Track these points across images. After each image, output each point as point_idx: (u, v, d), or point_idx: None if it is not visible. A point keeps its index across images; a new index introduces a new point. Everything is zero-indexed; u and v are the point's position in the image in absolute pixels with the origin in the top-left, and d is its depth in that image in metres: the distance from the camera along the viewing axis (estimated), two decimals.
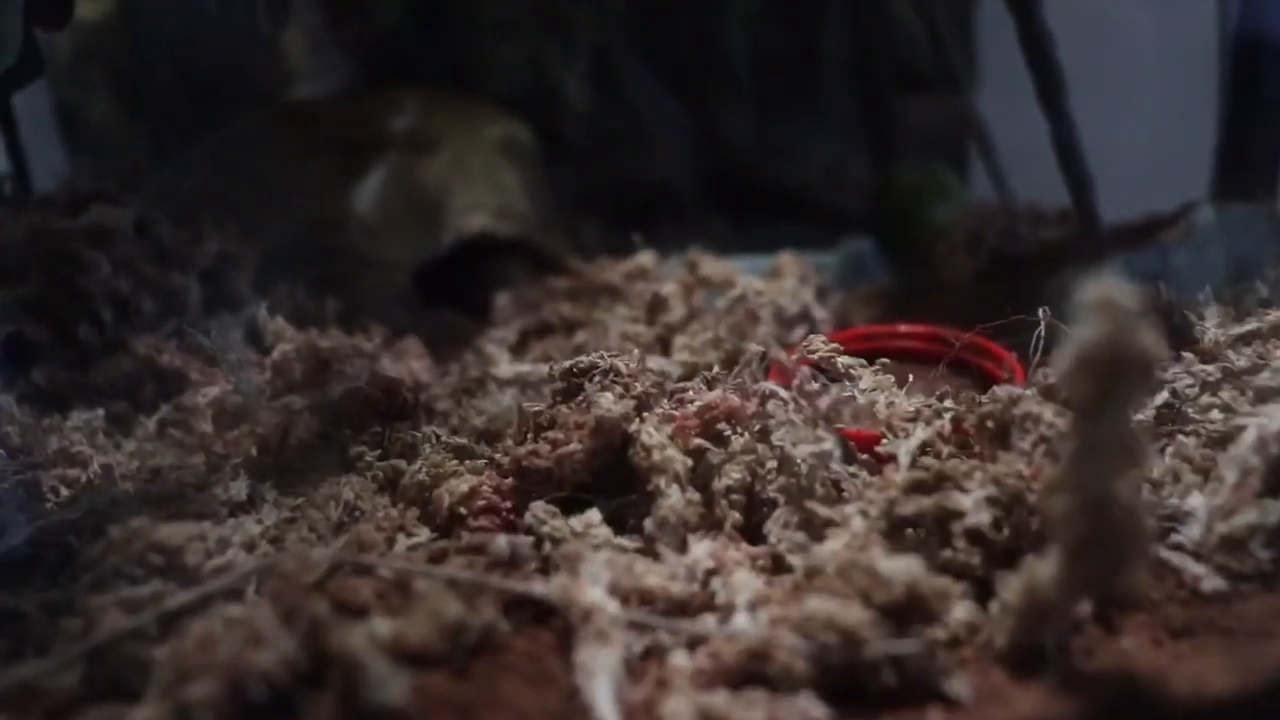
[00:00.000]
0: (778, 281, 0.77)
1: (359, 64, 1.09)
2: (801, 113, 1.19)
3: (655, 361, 0.61)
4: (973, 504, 0.40)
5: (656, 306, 0.68)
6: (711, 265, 0.75)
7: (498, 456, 0.47)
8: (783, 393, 0.44)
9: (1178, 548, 0.43)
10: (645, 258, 0.75)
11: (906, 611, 0.36)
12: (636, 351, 0.49)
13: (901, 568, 0.35)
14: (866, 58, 1.19)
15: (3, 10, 0.54)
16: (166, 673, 0.33)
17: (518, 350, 0.70)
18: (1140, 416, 0.51)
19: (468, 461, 0.48)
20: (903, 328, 0.64)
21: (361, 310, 0.73)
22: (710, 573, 0.39)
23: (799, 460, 0.42)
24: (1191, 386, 0.52)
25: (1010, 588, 0.36)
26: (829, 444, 0.42)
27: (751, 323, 0.65)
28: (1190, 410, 0.51)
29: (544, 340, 0.70)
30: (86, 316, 0.66)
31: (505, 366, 0.63)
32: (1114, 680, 0.34)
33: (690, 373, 0.60)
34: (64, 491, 0.52)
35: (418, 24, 1.06)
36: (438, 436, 0.51)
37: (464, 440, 0.50)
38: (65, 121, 1.06)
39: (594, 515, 0.42)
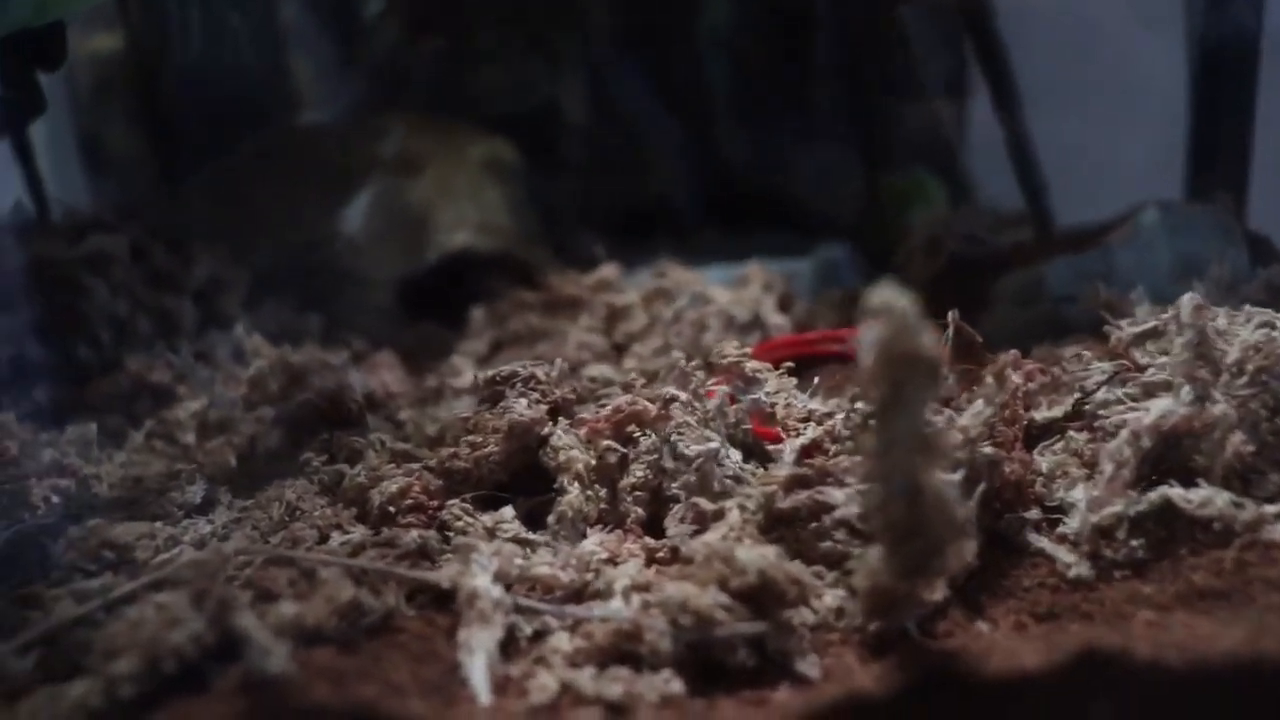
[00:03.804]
0: (742, 290, 0.81)
1: (363, 89, 1.14)
2: (792, 122, 1.22)
3: (600, 370, 0.65)
4: (845, 497, 0.44)
5: (614, 317, 0.72)
6: (678, 275, 0.79)
7: (431, 459, 0.51)
8: (683, 396, 0.48)
9: (1062, 538, 0.46)
10: (608, 270, 0.79)
11: (762, 596, 0.39)
12: (560, 361, 0.53)
13: (756, 556, 0.39)
14: (854, 66, 1.21)
15: None
16: (99, 652, 0.37)
17: (488, 361, 0.74)
18: (1051, 414, 0.54)
19: (405, 465, 0.52)
20: (838, 332, 0.67)
21: (345, 325, 0.78)
22: (605, 563, 0.43)
23: (691, 458, 0.45)
24: (1096, 384, 0.55)
25: (857, 574, 0.39)
26: (715, 443, 0.45)
27: (700, 331, 0.69)
28: (1091, 407, 0.53)
29: (513, 350, 0.75)
30: (85, 338, 0.71)
31: (466, 376, 0.68)
32: (945, 658, 0.37)
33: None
34: (55, 500, 0.57)
35: (415, 48, 1.11)
36: (383, 443, 0.55)
37: (408, 446, 0.55)
38: (86, 150, 1.12)
39: (507, 511, 0.47)
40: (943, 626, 0.41)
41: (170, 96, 1.11)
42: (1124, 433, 0.47)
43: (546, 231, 0.96)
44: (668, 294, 0.75)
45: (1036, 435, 0.53)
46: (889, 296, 0.32)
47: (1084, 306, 0.70)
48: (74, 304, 0.71)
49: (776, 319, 0.76)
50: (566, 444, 0.47)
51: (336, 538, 0.47)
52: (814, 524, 0.44)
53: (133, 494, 0.54)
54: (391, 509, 0.48)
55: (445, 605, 0.42)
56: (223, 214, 0.85)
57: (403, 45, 1.12)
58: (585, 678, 0.37)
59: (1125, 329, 0.60)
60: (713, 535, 0.42)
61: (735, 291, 0.79)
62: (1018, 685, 0.34)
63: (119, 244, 0.73)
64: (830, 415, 0.49)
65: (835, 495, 0.44)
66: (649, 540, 0.46)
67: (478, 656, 0.37)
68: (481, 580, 0.39)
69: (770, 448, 0.48)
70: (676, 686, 0.37)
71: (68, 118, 1.12)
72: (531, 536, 0.45)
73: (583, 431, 0.49)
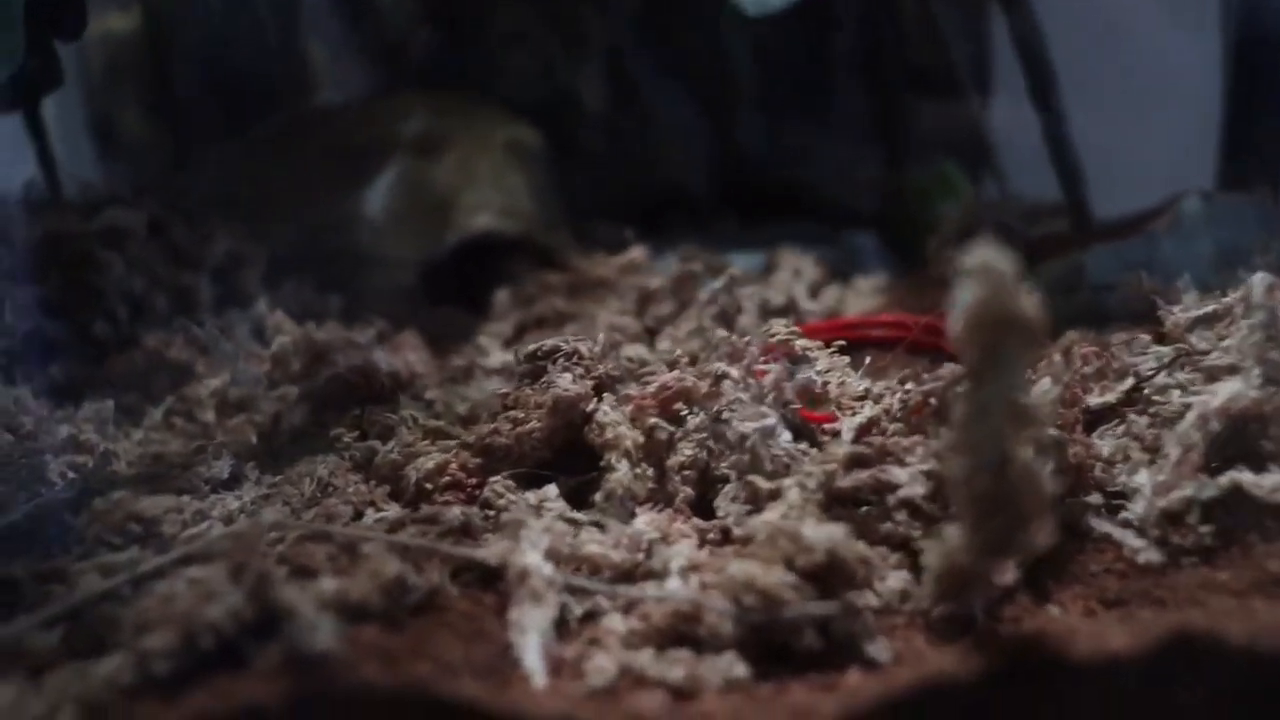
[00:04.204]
0: (772, 275, 0.79)
1: (378, 72, 1.12)
2: (812, 113, 1.20)
3: (636, 350, 0.63)
4: (908, 477, 0.42)
5: (646, 299, 0.70)
6: (702, 261, 0.77)
7: (467, 437, 0.49)
8: (734, 373, 0.46)
9: (1125, 523, 0.44)
10: (637, 252, 0.77)
11: (830, 577, 0.37)
12: (602, 336, 0.51)
13: (824, 534, 0.37)
14: (877, 58, 1.20)
15: (5, 23, 0.57)
16: (130, 627, 0.35)
17: (513, 343, 0.73)
18: (1105, 399, 0.52)
19: (440, 442, 0.50)
20: (883, 317, 0.65)
21: (366, 307, 0.76)
22: (654, 543, 0.41)
23: (745, 435, 0.44)
24: (1153, 368, 0.53)
25: (930, 553, 0.37)
26: (771, 420, 0.43)
27: (735, 314, 0.67)
28: (1149, 391, 0.52)
29: (539, 333, 0.73)
30: (102, 314, 0.69)
31: (494, 356, 0.66)
32: (1020, 642, 0.35)
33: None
34: (71, 476, 0.55)
35: (433, 32, 1.09)
36: (415, 419, 0.53)
37: (440, 423, 0.53)
38: (98, 132, 1.11)
39: (551, 490, 0.45)
40: (1009, 611, 0.39)
41: (184, 78, 1.10)
42: (1191, 416, 0.46)
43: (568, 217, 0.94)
44: (698, 277, 0.73)
45: (1090, 420, 0.51)
46: (987, 256, 0.30)
47: (1126, 295, 0.68)
48: (90, 279, 0.69)
49: (809, 304, 0.74)
50: (613, 420, 0.45)
51: (371, 515, 0.45)
52: (875, 504, 0.42)
53: (153, 470, 0.52)
54: (428, 486, 0.46)
55: (491, 584, 0.40)
56: (239, 192, 0.83)
57: (419, 28, 1.10)
58: (645, 660, 0.35)
59: (1179, 313, 0.58)
60: (772, 514, 0.40)
61: (765, 276, 0.78)
62: (1108, 669, 0.32)
63: (136, 219, 0.71)
64: (886, 394, 0.47)
65: (898, 474, 0.42)
66: (698, 520, 0.44)
67: (531, 636, 0.35)
68: (533, 557, 0.37)
69: (826, 427, 0.46)
70: (740, 669, 0.35)
71: (79, 99, 1.11)
72: (577, 515, 0.43)
73: (628, 408, 0.47)
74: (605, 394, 0.48)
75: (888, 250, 1.04)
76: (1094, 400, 0.52)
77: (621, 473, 0.43)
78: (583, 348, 0.49)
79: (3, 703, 0.35)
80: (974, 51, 1.17)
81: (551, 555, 0.38)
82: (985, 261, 0.30)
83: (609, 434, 0.45)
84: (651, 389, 0.47)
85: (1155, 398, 0.51)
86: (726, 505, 0.44)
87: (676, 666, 0.34)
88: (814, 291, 0.79)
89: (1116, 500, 0.45)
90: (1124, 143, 0.99)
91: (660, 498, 0.45)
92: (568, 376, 0.47)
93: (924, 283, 0.86)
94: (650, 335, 0.69)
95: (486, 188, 0.87)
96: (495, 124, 0.93)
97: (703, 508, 0.45)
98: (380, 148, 0.85)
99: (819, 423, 0.47)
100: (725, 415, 0.45)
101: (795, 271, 0.80)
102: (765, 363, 0.49)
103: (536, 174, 0.93)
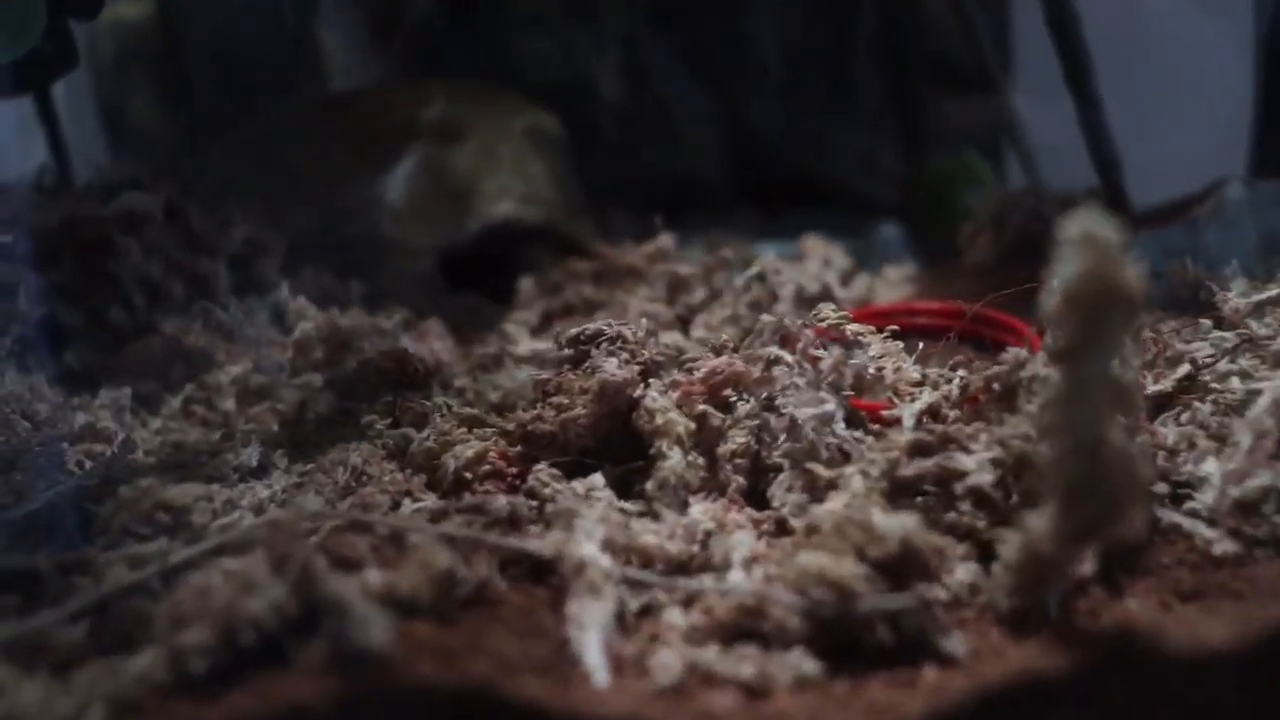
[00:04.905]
0: (801, 263, 0.77)
1: (392, 59, 1.10)
2: (832, 102, 1.18)
3: (671, 338, 0.61)
4: (976, 465, 0.40)
5: (677, 286, 0.68)
6: (732, 247, 0.75)
7: (505, 425, 0.47)
8: (788, 357, 0.44)
9: (1192, 514, 0.42)
10: (666, 239, 0.75)
11: (902, 568, 0.35)
12: (645, 321, 0.49)
13: (897, 523, 0.35)
14: (897, 48, 1.18)
15: None
16: (164, 621, 0.33)
17: (540, 331, 0.71)
18: (1160, 386, 0.51)
19: (476, 430, 0.48)
20: (920, 304, 0.63)
21: (387, 295, 0.74)
22: (710, 534, 0.39)
23: (802, 422, 0.42)
24: (1211, 355, 0.51)
25: (1008, 544, 0.35)
26: (831, 405, 0.41)
27: (770, 301, 0.65)
28: (1209, 378, 0.50)
29: (566, 321, 0.71)
30: (118, 300, 0.67)
31: (524, 344, 0.64)
32: (1112, 635, 0.33)
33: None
34: (88, 465, 0.53)
35: (449, 18, 1.07)
36: (449, 407, 0.51)
37: (475, 411, 0.51)
38: (108, 121, 1.08)
39: (597, 479, 0.43)
40: (1083, 605, 0.37)
41: (197, 67, 1.07)
42: (1263, 401, 0.44)
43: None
44: (729, 264, 0.71)
45: (1150, 408, 0.49)
46: (1091, 224, 0.28)
47: (1171, 282, 0.67)
48: (106, 265, 0.67)
49: (842, 293, 0.72)
50: (663, 406, 0.43)
51: (408, 505, 0.43)
52: (939, 493, 0.40)
53: (177, 458, 0.50)
54: (467, 475, 0.44)
55: (541, 577, 0.38)
56: (254, 178, 0.81)
57: (436, 13, 1.08)
58: (711, 655, 0.33)
59: (1235, 299, 0.56)
60: (835, 503, 0.38)
61: (794, 264, 0.76)
62: (1209, 664, 0.31)
63: (153, 203, 0.68)
64: (946, 380, 0.45)
65: (965, 462, 0.40)
66: (753, 511, 0.42)
67: (591, 632, 0.33)
68: (589, 548, 0.35)
69: (885, 414, 0.44)
70: (811, 666, 0.33)
71: (89, 87, 1.09)
72: (625, 505, 0.41)
73: (675, 394, 0.45)
74: (651, 380, 0.46)
75: (908, 240, 1.02)
76: (1150, 388, 0.50)
77: (674, 460, 0.41)
78: (626, 332, 0.47)
79: (30, 700, 0.33)
80: (995, 44, 1.15)
81: (608, 546, 0.36)
82: (1089, 229, 0.28)
83: (659, 420, 0.43)
84: (700, 374, 0.45)
85: (1215, 385, 0.49)
86: (782, 495, 0.42)
87: (746, 663, 0.33)
88: (844, 280, 0.77)
89: (1182, 490, 0.44)
90: (1154, 132, 0.97)
91: (712, 487, 0.43)
92: (614, 361, 0.45)
93: (953, 272, 0.84)
94: (682, 323, 0.67)
95: (507, 175, 0.85)
96: (515, 110, 0.90)
97: (753, 498, 0.44)
98: (400, 133, 0.83)
99: (870, 411, 0.46)
100: (779, 401, 0.43)
101: (825, 260, 0.78)
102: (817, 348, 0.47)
103: (557, 161, 0.91)
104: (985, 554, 0.39)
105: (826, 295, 0.69)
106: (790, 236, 0.88)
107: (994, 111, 1.19)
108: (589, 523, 0.37)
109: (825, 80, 1.19)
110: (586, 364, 0.46)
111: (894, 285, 0.82)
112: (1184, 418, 0.47)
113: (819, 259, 0.78)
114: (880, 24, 1.20)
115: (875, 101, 1.21)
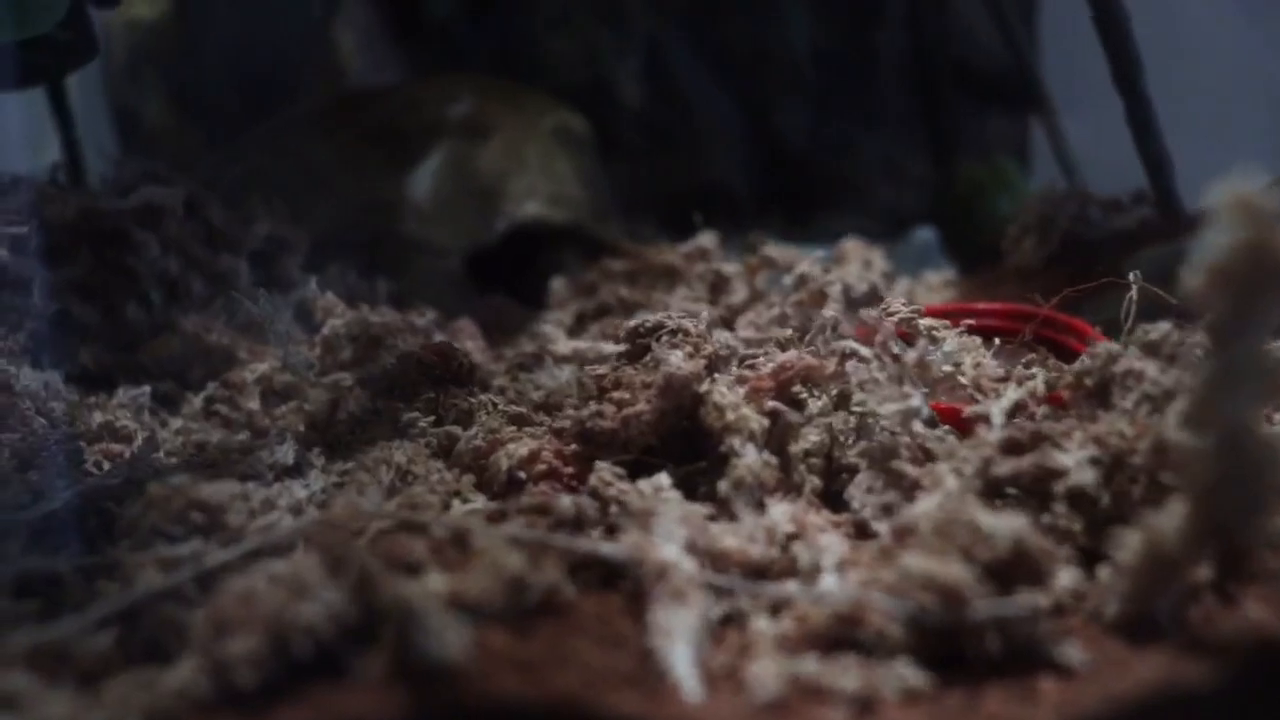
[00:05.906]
0: (842, 266, 0.74)
1: (411, 59, 1.08)
2: (859, 108, 1.16)
3: (720, 336, 0.58)
4: (1075, 463, 0.37)
5: (719, 286, 0.66)
6: (774, 248, 0.72)
7: (557, 424, 0.44)
8: (864, 351, 0.41)
9: None
10: (706, 238, 0.72)
11: (1011, 572, 0.32)
12: (704, 313, 0.46)
13: (1007, 524, 0.32)
14: (925, 54, 1.16)
15: None
16: (204, 629, 0.30)
17: (574, 332, 0.68)
18: None
19: (526, 428, 0.45)
20: (980, 305, 0.61)
21: (413, 295, 0.71)
22: (791, 537, 0.36)
23: (884, 419, 0.39)
24: None
25: (1125, 546, 0.32)
26: (916, 400, 0.39)
27: (819, 302, 0.62)
28: None
29: (601, 322, 0.68)
30: (135, 297, 0.64)
31: (563, 344, 0.61)
32: (1250, 645, 0.30)
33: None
34: (107, 466, 0.50)
35: (470, 17, 1.05)
36: (494, 404, 0.48)
37: (522, 409, 0.48)
38: (121, 123, 1.06)
39: (663, 479, 0.39)
40: (1196, 613, 0.34)
41: (211, 68, 1.05)
42: None
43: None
44: (773, 264, 0.68)
45: None
46: (1243, 192, 0.25)
47: None
48: (123, 260, 0.64)
49: (888, 295, 0.69)
50: (734, 402, 0.40)
51: (458, 505, 0.40)
52: (1034, 493, 0.37)
53: (204, 458, 0.47)
54: (521, 475, 0.41)
55: (611, 582, 0.35)
56: (277, 173, 0.78)
57: (456, 13, 1.06)
58: (811, 666, 0.30)
59: None
60: (928, 504, 0.35)
61: (835, 267, 0.73)
62: None
63: (173, 197, 0.66)
64: (1030, 376, 0.42)
65: (1063, 460, 0.37)
66: (829, 514, 0.39)
67: (679, 643, 0.30)
68: (671, 551, 0.32)
69: (967, 411, 0.41)
70: (918, 677, 0.30)
71: (101, 86, 1.06)
72: (694, 507, 0.38)
73: (742, 390, 0.42)
74: (717, 375, 0.43)
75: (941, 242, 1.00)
76: None
77: (749, 459, 0.38)
78: (688, 324, 0.44)
79: (57, 714, 0.30)
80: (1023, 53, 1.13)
81: (690, 549, 0.33)
82: (1243, 198, 0.26)
83: (730, 416, 0.40)
84: (769, 369, 0.42)
85: None
86: (861, 496, 0.39)
87: (849, 674, 0.30)
88: (885, 284, 0.74)
89: None
90: (1196, 136, 0.95)
91: (787, 488, 0.40)
92: (678, 354, 0.42)
93: (996, 276, 0.81)
94: (725, 325, 0.64)
95: (534, 174, 0.83)
96: (543, 109, 0.88)
97: (826, 500, 0.41)
98: (427, 131, 0.80)
99: (944, 415, 0.43)
100: (857, 397, 0.40)
101: (865, 263, 0.75)
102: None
103: (584, 162, 0.88)
104: (1083, 560, 0.36)
105: (874, 296, 0.66)
106: (817, 243, 0.85)
107: (1023, 119, 1.17)
108: (668, 524, 0.34)
109: (852, 86, 1.17)
110: (647, 358, 0.44)
111: (934, 290, 0.79)
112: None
113: (859, 262, 0.75)
114: (907, 30, 1.18)
115: (902, 107, 1.19)
